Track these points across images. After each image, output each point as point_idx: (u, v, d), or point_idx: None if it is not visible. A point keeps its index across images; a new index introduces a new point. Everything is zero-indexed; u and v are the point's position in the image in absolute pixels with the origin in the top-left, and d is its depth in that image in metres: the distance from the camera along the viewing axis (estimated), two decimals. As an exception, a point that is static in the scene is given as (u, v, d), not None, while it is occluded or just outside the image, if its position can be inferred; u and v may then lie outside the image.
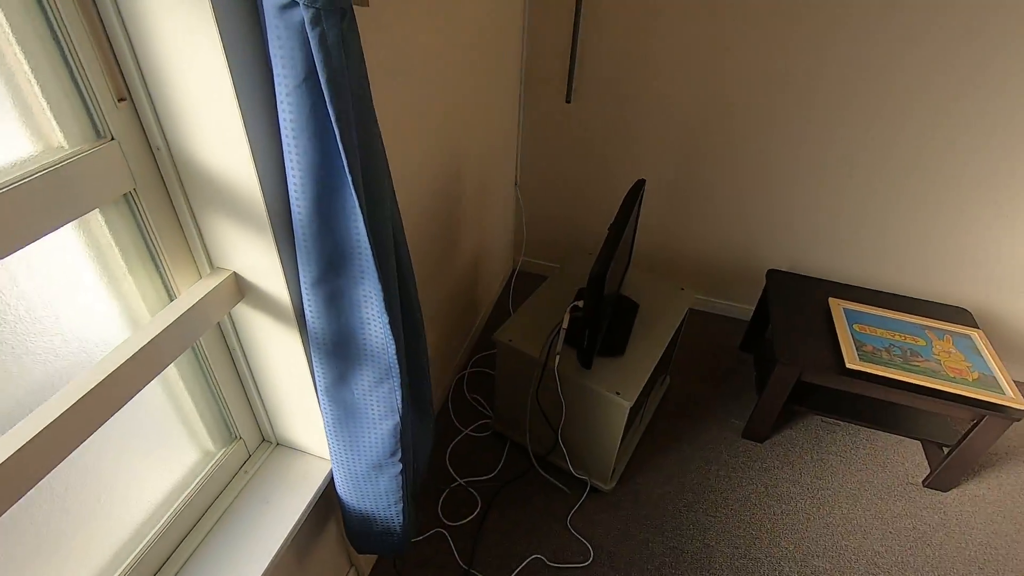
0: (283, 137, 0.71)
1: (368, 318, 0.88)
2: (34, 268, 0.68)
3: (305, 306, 0.86)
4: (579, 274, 1.89)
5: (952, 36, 1.65)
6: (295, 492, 1.09)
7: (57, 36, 0.63)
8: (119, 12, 0.65)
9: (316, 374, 0.94)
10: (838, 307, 1.88)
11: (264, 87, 0.72)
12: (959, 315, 1.93)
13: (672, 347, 1.88)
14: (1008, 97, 1.69)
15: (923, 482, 1.82)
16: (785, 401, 1.80)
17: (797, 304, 1.93)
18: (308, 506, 1.07)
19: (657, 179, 2.21)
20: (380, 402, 0.97)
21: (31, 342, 0.69)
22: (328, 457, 1.14)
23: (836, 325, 1.80)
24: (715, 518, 1.69)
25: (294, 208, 0.76)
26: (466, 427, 1.91)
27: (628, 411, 1.47)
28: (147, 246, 0.82)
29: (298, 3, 0.61)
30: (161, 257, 0.83)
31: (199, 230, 0.84)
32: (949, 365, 1.67)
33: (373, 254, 0.80)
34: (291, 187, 0.75)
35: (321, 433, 1.09)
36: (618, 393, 1.46)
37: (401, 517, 1.13)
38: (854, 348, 1.71)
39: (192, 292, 0.85)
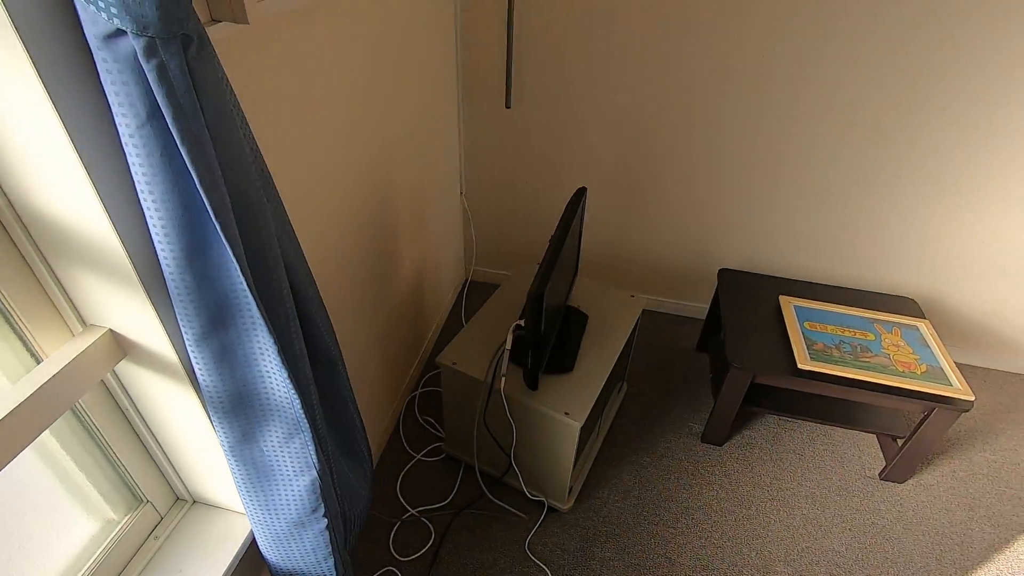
0: (136, 185, 0.62)
1: (266, 372, 0.79)
2: None
3: (193, 363, 0.77)
4: (528, 284, 1.83)
5: (894, 35, 1.64)
6: (213, 557, 0.99)
7: None
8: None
9: (218, 433, 0.85)
10: (788, 305, 1.86)
11: (111, 129, 0.62)
12: (906, 305, 1.94)
13: (626, 355, 1.84)
14: (946, 89, 1.69)
15: (880, 475, 1.82)
16: (741, 403, 1.78)
17: (748, 303, 1.91)
18: (228, 571, 0.98)
19: (603, 182, 2.16)
20: (293, 458, 0.88)
21: None
22: (249, 514, 1.05)
23: (787, 324, 1.78)
24: (676, 530, 1.65)
25: (162, 261, 0.67)
26: (418, 452, 1.83)
27: (579, 431, 1.41)
28: (-3, 310, 0.72)
29: (126, 31, 0.52)
30: (16, 318, 0.73)
31: (61, 287, 0.74)
32: (898, 359, 1.66)
33: (258, 306, 0.71)
34: (155, 239, 0.65)
35: (237, 490, 1.00)
36: (567, 413, 1.40)
37: (333, 573, 1.05)
38: (805, 347, 1.69)
39: (61, 354, 0.75)
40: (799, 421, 1.99)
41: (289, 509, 0.94)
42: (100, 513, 0.95)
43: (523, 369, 1.47)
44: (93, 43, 0.53)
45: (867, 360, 1.66)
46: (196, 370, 0.77)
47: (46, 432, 0.81)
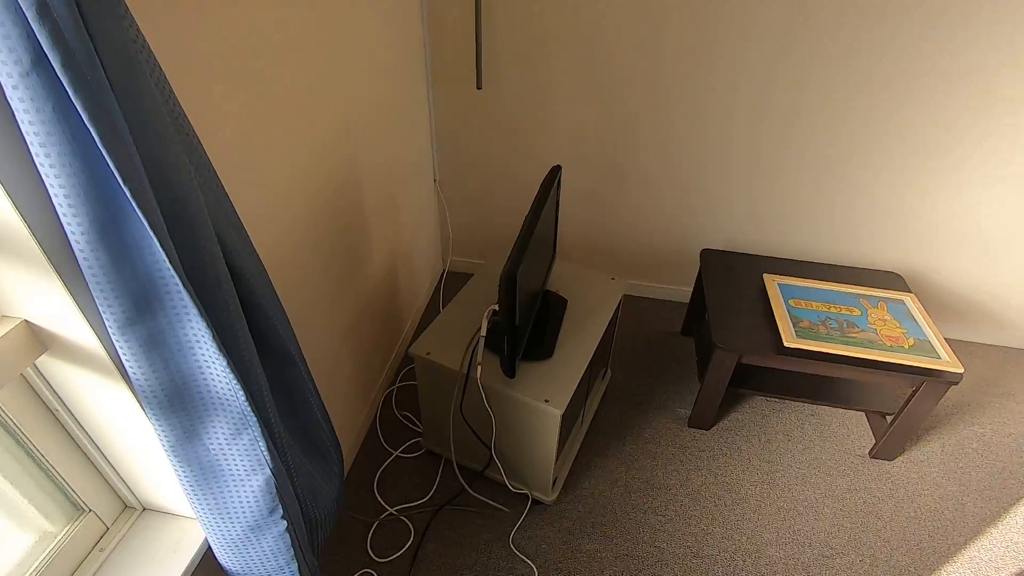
0: (30, 147, 0.54)
1: (204, 362, 0.72)
2: None
3: (120, 354, 0.69)
4: (503, 272, 1.76)
5: (871, 9, 1.60)
6: (164, 568, 0.92)
7: None
8: None
9: (157, 431, 0.77)
10: (773, 283, 1.82)
11: (-3, 82, 0.54)
12: (891, 280, 1.90)
13: (609, 340, 1.78)
14: (924, 61, 1.65)
15: (869, 453, 1.79)
16: (727, 386, 1.73)
17: (732, 283, 1.86)
18: (180, 582, 0.90)
19: (581, 163, 2.09)
20: (242, 456, 0.81)
21: None
22: (203, 519, 0.97)
23: (772, 302, 1.73)
24: (665, 517, 1.60)
25: (70, 237, 0.59)
26: (396, 448, 1.76)
27: (560, 419, 1.35)
28: None
29: (-7, -41, 0.45)
30: (-89, 313, 0.64)
31: (-37, 273, 0.66)
32: (885, 333, 1.62)
33: (186, 287, 0.64)
34: (59, 211, 0.57)
35: (188, 494, 0.92)
36: (547, 401, 1.34)
37: (297, 578, 0.97)
38: (791, 325, 1.64)
39: (-33, 350, 0.67)
40: (787, 401, 1.95)
41: (243, 512, 0.86)
42: (35, 525, 0.87)
43: (500, 357, 1.40)
44: (-43, -26, 0.46)
45: (854, 336, 1.61)
46: (124, 362, 0.69)
47: (-41, 438, 0.73)
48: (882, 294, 1.78)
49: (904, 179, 1.89)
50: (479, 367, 1.38)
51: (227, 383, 0.73)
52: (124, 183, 0.55)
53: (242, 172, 1.00)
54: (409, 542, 1.52)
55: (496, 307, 1.35)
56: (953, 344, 2.21)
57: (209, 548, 0.99)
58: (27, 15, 0.47)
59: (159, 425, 0.76)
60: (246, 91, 0.98)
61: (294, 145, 1.17)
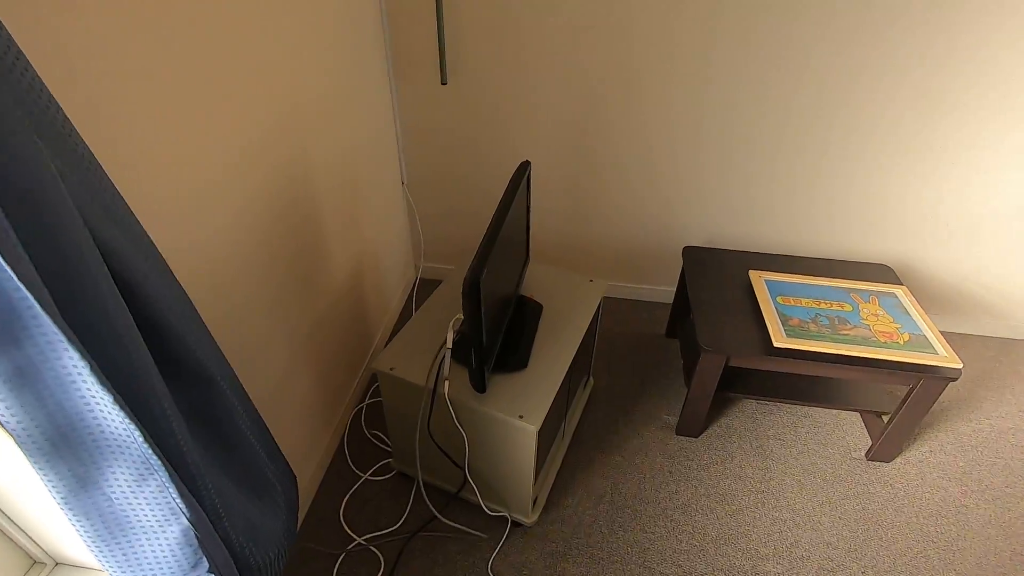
0: None
1: (90, 399, 0.59)
2: None
3: (-17, 394, 0.57)
4: (475, 278, 1.65)
5: (841, -27, 1.51)
6: (73, 634, 0.79)
7: None
8: None
9: (45, 482, 0.64)
10: (759, 280, 1.72)
11: None
12: (881, 272, 1.82)
13: (589, 346, 1.68)
14: (908, 46, 1.57)
15: (866, 455, 1.70)
16: (716, 390, 1.63)
17: (717, 281, 1.77)
18: (94, 650, 0.78)
19: (554, 159, 1.99)
20: (151, 505, 0.69)
21: None
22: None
23: (759, 300, 1.64)
24: (654, 535, 1.50)
25: None
26: (365, 470, 1.64)
27: (536, 436, 1.24)
28: None
29: None
30: None
31: None
32: (878, 329, 1.54)
33: (49, 312, 0.52)
34: None
35: (100, 548, 0.80)
36: (521, 416, 1.23)
37: (234, 637, 0.85)
38: (780, 324, 1.55)
39: None
40: (778, 404, 1.86)
41: (161, 568, 0.74)
42: (-87, 594, 0.74)
43: (468, 370, 1.29)
44: None
45: (846, 333, 1.53)
46: (-11, 402, 0.57)
47: None
48: (873, 288, 1.70)
49: (891, 167, 1.81)
50: (446, 382, 1.26)
51: (119, 423, 0.61)
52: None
53: (148, 161, 0.88)
54: (379, 574, 1.40)
55: (461, 317, 1.23)
56: (946, 337, 2.14)
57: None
58: None
59: (45, 474, 0.64)
60: (157, 72, 0.86)
61: (225, 134, 1.05)
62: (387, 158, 1.95)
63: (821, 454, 1.71)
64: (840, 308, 1.61)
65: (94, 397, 0.59)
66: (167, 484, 0.67)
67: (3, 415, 0.58)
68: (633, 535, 1.49)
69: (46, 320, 0.52)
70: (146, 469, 0.65)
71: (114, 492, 0.67)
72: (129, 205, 0.73)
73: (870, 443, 1.73)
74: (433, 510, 1.52)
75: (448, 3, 1.72)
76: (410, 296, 2.31)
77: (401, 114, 1.97)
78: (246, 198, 1.12)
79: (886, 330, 1.54)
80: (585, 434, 1.75)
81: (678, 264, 2.18)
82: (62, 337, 0.54)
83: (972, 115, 1.67)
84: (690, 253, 1.90)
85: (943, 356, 1.45)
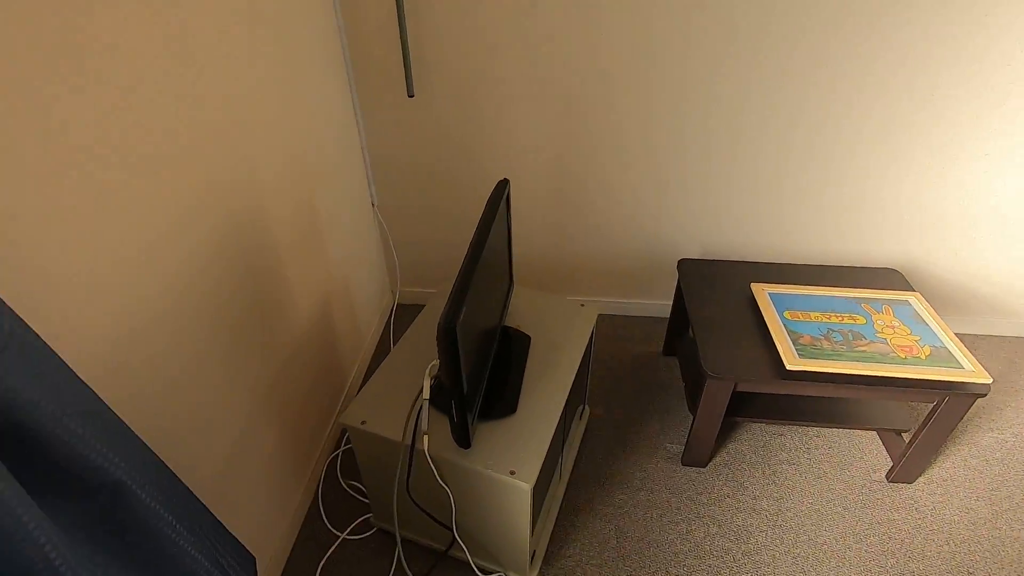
0: None
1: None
2: None
3: None
4: (454, 308, 1.50)
5: (835, -41, 1.40)
6: None
7: None
8: None
9: None
10: (762, 293, 1.59)
11: None
12: (890, 278, 1.70)
13: (584, 373, 1.53)
14: (902, 44, 1.46)
15: (887, 476, 1.57)
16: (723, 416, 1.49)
17: (717, 297, 1.63)
18: None
19: (533, 174, 1.85)
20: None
21: None
22: None
23: (765, 316, 1.51)
24: (667, 584, 1.35)
25: None
26: (343, 528, 1.47)
27: (531, 493, 1.08)
28: None
29: None
30: None
31: None
32: (896, 343, 1.41)
33: None
34: None
35: None
36: (513, 473, 1.08)
37: None
38: (790, 343, 1.42)
39: None
40: (789, 425, 1.73)
41: None
42: None
43: (450, 422, 1.14)
44: None
45: (863, 349, 1.40)
46: None
47: None
48: (884, 296, 1.58)
49: (891, 165, 1.70)
50: (425, 437, 1.11)
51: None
52: None
53: (46, 226, 0.71)
54: (360, 655, 1.24)
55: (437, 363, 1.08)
56: (965, 339, 2.03)
57: None
58: None
59: None
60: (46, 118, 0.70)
61: (149, 183, 0.89)
62: (354, 179, 1.79)
63: (839, 478, 1.58)
64: (853, 321, 1.49)
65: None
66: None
67: None
68: (643, 587, 1.35)
69: None
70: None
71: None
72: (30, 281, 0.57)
73: (890, 464, 1.60)
74: (407, 574, 1.36)
75: (411, 9, 1.57)
76: (388, 324, 2.15)
77: (367, 131, 1.81)
78: (186, 252, 0.96)
79: (905, 344, 1.41)
80: (584, 471, 1.61)
81: (672, 276, 2.05)
82: None
83: (974, 112, 1.56)
84: (686, 266, 1.77)
85: (970, 371, 1.33)
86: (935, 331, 1.45)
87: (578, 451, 1.65)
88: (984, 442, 1.67)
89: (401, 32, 1.59)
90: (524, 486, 1.07)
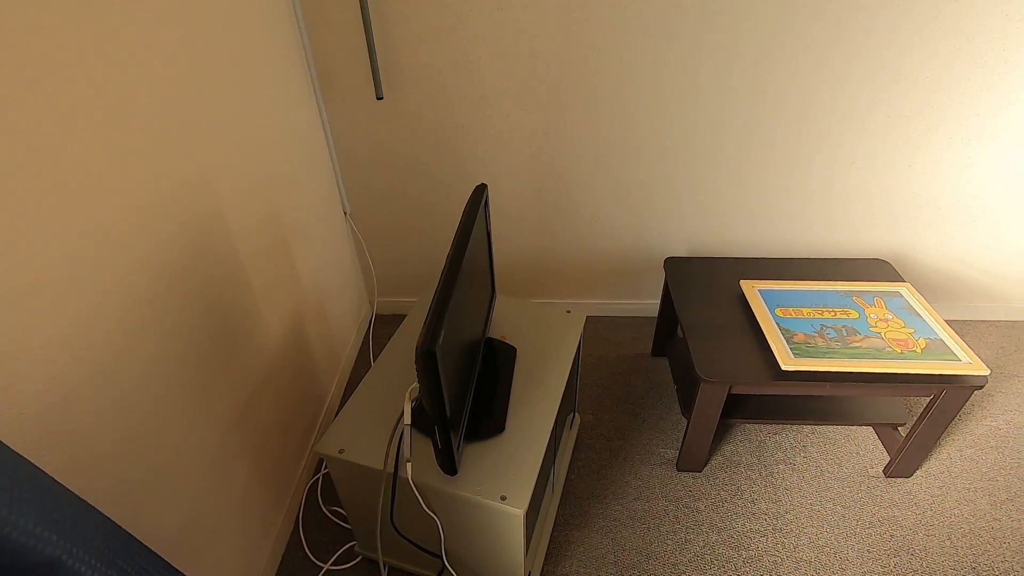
0: None
1: None
2: None
3: None
4: (434, 320, 1.42)
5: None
6: None
7: None
8: None
9: None
10: (752, 290, 1.55)
11: None
12: (879, 268, 1.67)
13: (573, 381, 1.47)
14: (883, 33, 1.42)
15: (884, 471, 1.54)
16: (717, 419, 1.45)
17: (706, 296, 1.59)
18: None
19: (514, 175, 1.78)
20: None
21: None
22: None
23: (756, 315, 1.46)
24: (668, 599, 1.30)
25: None
26: (326, 559, 1.39)
27: (523, 518, 1.02)
28: None
29: None
30: None
31: None
32: (891, 337, 1.38)
33: None
34: None
35: None
36: (503, 498, 1.01)
37: None
38: (784, 342, 1.38)
39: None
40: (784, 423, 1.69)
41: None
42: None
43: (433, 448, 1.06)
44: None
45: (858, 345, 1.36)
46: None
47: None
48: (875, 288, 1.55)
49: (876, 153, 1.66)
50: (408, 464, 1.04)
51: None
52: None
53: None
54: None
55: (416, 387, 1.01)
56: (956, 326, 2.02)
57: None
58: None
59: None
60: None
61: (78, 200, 0.80)
62: (324, 187, 1.70)
63: (836, 476, 1.55)
64: (846, 316, 1.45)
65: None
66: None
67: None
68: (644, 603, 1.30)
69: None
70: None
71: None
72: None
73: (887, 459, 1.58)
74: (409, 604, 1.29)
75: (375, 6, 1.49)
76: (366, 337, 2.07)
77: (335, 136, 1.72)
78: (124, 276, 0.87)
79: (899, 337, 1.38)
80: (577, 482, 1.55)
81: (659, 274, 1.99)
82: None
83: (952, 95, 1.53)
84: (672, 265, 1.71)
85: (967, 363, 1.30)
86: (929, 323, 1.42)
87: (570, 462, 1.59)
88: (978, 431, 1.65)
89: (366, 30, 1.50)
90: (517, 512, 1.00)
